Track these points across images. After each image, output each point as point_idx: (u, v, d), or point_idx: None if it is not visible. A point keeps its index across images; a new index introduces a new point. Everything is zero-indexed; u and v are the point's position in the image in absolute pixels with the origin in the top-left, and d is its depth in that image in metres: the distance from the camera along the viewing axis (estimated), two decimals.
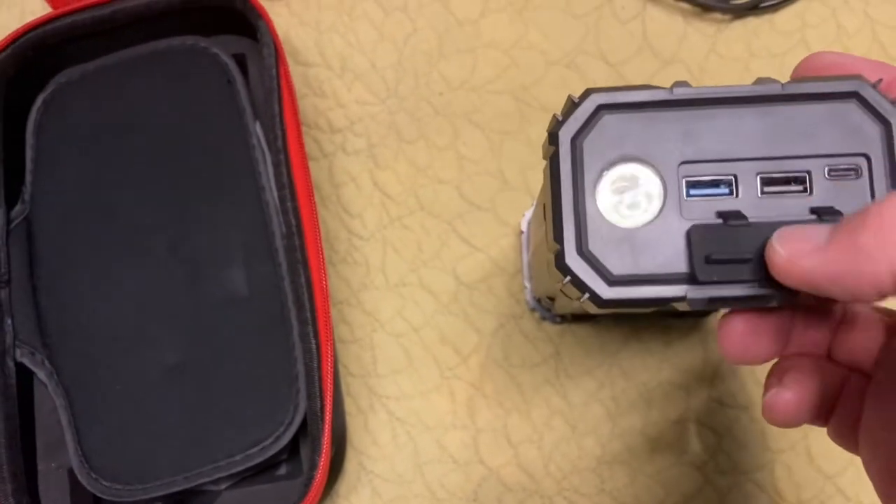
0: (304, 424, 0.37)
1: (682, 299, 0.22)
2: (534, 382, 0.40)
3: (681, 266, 0.22)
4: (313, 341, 0.36)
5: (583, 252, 0.22)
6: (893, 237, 0.19)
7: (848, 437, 0.26)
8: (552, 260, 0.23)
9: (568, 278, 0.22)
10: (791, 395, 0.25)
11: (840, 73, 0.23)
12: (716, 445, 0.39)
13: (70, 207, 0.39)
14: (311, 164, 0.43)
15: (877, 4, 0.43)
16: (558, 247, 0.22)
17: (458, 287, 0.41)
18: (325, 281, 0.37)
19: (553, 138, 0.23)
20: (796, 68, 0.25)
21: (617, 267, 0.22)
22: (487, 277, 0.41)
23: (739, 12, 0.43)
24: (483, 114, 0.43)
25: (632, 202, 0.22)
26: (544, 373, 0.40)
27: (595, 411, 0.39)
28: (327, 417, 0.35)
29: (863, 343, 0.26)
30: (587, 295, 0.22)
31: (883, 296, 0.20)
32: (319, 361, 0.36)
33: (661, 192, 0.22)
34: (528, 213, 0.40)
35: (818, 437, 0.37)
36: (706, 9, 0.43)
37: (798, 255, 0.20)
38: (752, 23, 0.43)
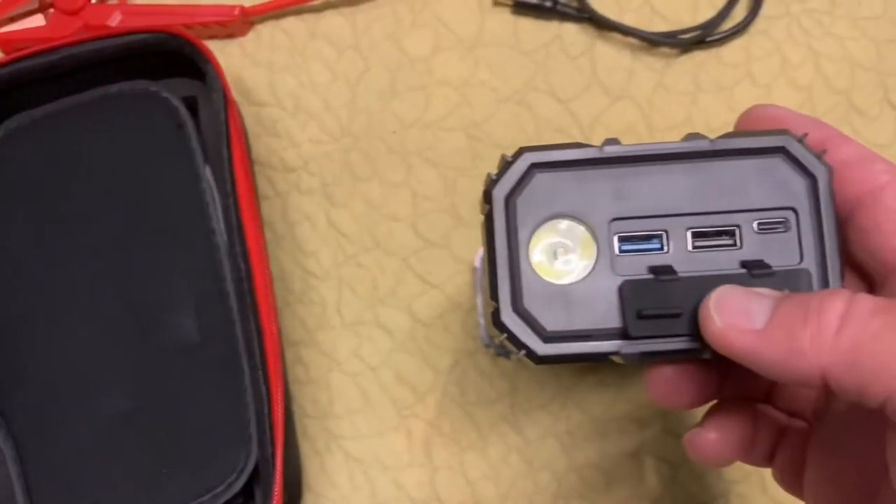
0: (257, 470, 0.36)
1: (615, 354, 0.22)
2: (490, 419, 0.40)
3: (614, 321, 0.22)
4: (263, 387, 0.36)
5: (518, 309, 0.22)
6: (827, 344, 0.19)
7: (791, 483, 0.26)
8: (490, 316, 0.23)
9: (505, 335, 0.22)
10: (714, 435, 0.25)
11: (775, 127, 0.24)
12: (671, 477, 0.39)
13: (19, 255, 0.39)
14: (265, 203, 0.43)
15: (820, 38, 0.44)
16: (495, 304, 0.22)
17: (414, 325, 0.41)
18: (276, 325, 0.37)
19: (487, 197, 0.23)
20: (738, 120, 0.25)
21: (551, 323, 0.22)
22: (443, 314, 0.41)
23: (686, 46, 0.44)
24: (436, 151, 0.43)
25: (565, 259, 0.23)
26: (500, 409, 0.40)
27: (550, 446, 0.40)
28: (278, 463, 0.35)
29: (803, 394, 0.26)
30: (523, 351, 0.22)
31: (811, 389, 0.20)
32: (270, 407, 0.36)
33: (594, 248, 0.23)
34: (482, 251, 0.40)
35: None
36: (654, 44, 0.44)
37: (733, 329, 0.20)
38: (698, 56, 0.44)
